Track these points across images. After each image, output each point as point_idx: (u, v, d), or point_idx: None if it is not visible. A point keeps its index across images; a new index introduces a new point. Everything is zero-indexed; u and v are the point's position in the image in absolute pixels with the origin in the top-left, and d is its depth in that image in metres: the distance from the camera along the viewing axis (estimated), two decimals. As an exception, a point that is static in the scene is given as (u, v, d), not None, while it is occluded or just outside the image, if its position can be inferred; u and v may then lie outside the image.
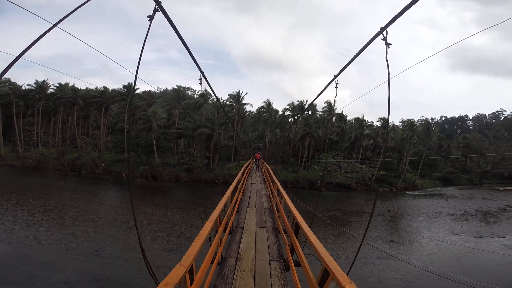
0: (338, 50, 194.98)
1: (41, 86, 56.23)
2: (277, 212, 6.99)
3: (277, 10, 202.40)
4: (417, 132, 56.95)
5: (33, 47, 2.54)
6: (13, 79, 67.71)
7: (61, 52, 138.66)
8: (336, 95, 6.57)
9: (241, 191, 9.47)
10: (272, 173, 11.81)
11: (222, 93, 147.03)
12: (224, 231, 5.54)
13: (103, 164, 50.59)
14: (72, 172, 48.46)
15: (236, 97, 56.22)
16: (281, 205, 6.56)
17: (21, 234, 17.01)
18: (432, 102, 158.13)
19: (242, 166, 24.43)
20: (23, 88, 60.63)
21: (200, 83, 6.08)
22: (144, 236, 18.11)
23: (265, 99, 72.90)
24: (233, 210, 6.97)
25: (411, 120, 60.01)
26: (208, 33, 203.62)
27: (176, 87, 64.07)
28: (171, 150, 54.61)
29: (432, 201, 42.33)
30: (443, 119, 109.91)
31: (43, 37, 2.68)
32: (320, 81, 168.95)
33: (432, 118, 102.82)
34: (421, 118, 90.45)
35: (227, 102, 60.54)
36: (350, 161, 49.90)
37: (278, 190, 7.40)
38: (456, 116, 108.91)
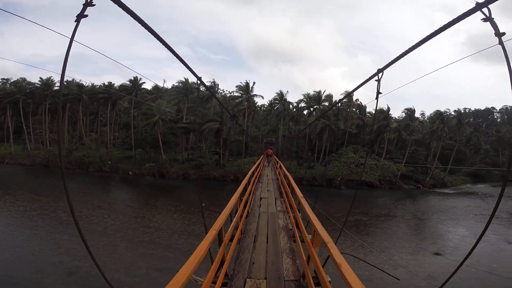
0: (348, 38, 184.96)
1: (46, 83, 54.93)
2: None
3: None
4: (449, 124, 51.74)
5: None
6: (29, 79, 67.59)
7: (75, 51, 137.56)
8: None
9: (240, 228, 5.35)
10: (295, 186, 6.75)
11: (233, 88, 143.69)
12: None
13: (109, 162, 48.80)
14: (80, 170, 46.99)
15: (245, 88, 52.44)
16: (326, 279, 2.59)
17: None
18: (454, 94, 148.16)
19: (251, 166, 20.71)
20: (31, 86, 59.89)
21: (198, 88, 3.16)
22: (133, 250, 15.23)
23: (276, 92, 68.71)
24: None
25: (441, 111, 54.42)
26: (217, 28, 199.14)
27: (184, 79, 60.88)
28: (180, 145, 52.10)
29: (468, 200, 37.69)
30: (467, 111, 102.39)
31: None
32: (331, 72, 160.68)
33: (455, 111, 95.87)
34: (447, 109, 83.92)
35: (237, 94, 56.76)
36: (374, 156, 45.53)
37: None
38: (482, 108, 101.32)
